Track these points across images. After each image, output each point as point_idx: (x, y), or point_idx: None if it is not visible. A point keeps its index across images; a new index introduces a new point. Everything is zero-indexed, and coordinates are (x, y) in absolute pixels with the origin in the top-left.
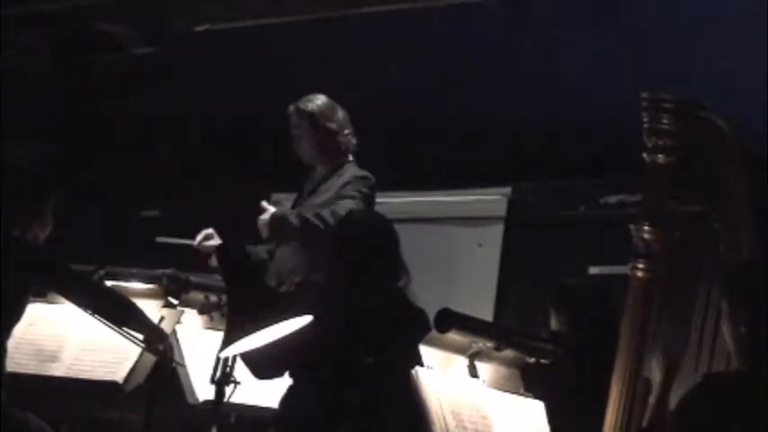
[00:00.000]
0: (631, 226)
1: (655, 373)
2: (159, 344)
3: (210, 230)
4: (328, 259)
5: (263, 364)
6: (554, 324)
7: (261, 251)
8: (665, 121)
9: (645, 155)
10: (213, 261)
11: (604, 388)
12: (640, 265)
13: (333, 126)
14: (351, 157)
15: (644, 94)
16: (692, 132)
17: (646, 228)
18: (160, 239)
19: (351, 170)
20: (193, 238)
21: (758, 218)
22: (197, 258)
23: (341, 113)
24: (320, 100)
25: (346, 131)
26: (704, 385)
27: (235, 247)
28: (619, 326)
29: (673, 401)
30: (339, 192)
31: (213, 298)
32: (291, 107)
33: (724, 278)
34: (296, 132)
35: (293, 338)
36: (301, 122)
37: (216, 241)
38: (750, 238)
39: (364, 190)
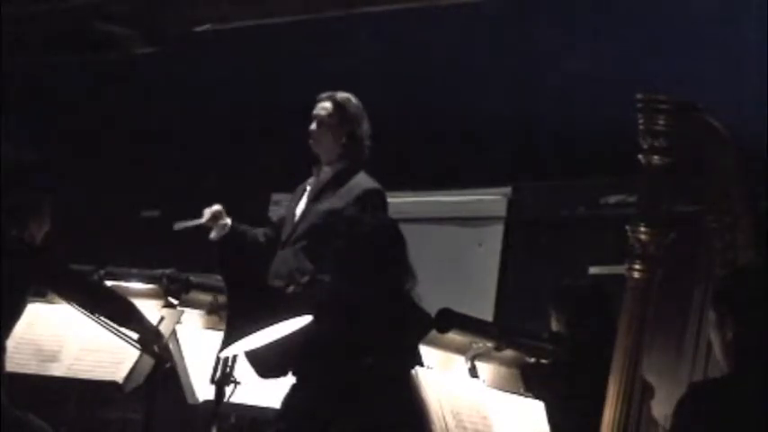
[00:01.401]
0: (627, 227)
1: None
2: (155, 344)
3: (219, 208)
4: (335, 260)
5: (267, 364)
6: (554, 325)
7: (258, 234)
8: (661, 121)
9: (640, 156)
10: (215, 234)
11: (604, 388)
12: (637, 266)
13: (358, 130)
14: None
15: (638, 95)
16: (688, 133)
17: (642, 228)
18: (178, 226)
19: (362, 180)
20: (194, 237)
21: (755, 218)
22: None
23: (367, 122)
24: (355, 99)
25: (368, 142)
26: (696, 392)
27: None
28: (617, 325)
29: (667, 406)
30: (351, 205)
31: (221, 298)
32: (325, 95)
33: (717, 283)
34: (325, 121)
35: (297, 338)
36: (334, 115)
37: (224, 220)
38: (746, 238)
39: (379, 204)
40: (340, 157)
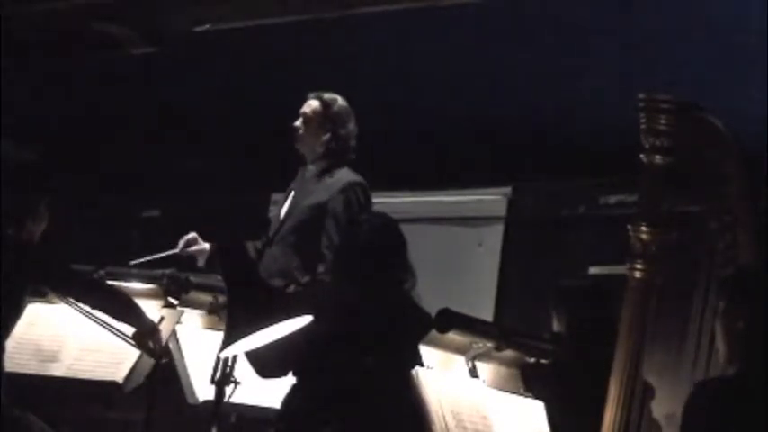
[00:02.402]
0: (629, 226)
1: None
2: (150, 340)
3: (193, 235)
4: (335, 260)
5: (267, 363)
6: (555, 325)
7: (249, 248)
8: (662, 121)
9: (642, 155)
10: (201, 262)
11: (604, 388)
12: (638, 266)
13: (345, 132)
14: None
15: (640, 95)
16: (689, 132)
17: (643, 228)
18: (134, 263)
19: (344, 174)
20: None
21: (755, 217)
22: (186, 262)
23: (353, 124)
24: (342, 101)
25: (353, 142)
26: (706, 389)
27: (234, 246)
28: (617, 325)
29: (668, 406)
30: (334, 198)
31: (221, 298)
32: (313, 96)
33: (723, 277)
34: (309, 118)
35: (297, 338)
36: (318, 113)
37: (200, 246)
38: (747, 237)
39: (360, 198)
40: (323, 155)
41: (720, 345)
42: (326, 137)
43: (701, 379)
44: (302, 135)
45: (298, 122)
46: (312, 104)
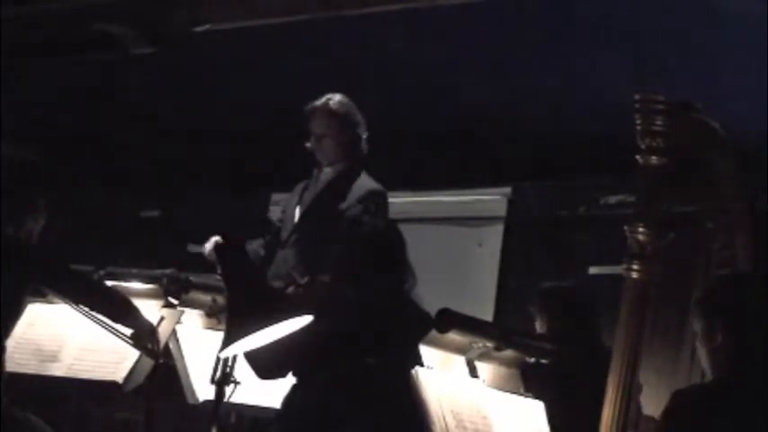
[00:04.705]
0: (626, 227)
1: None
2: (147, 341)
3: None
4: (335, 261)
5: (266, 364)
6: (538, 327)
7: (257, 248)
8: (658, 122)
9: (638, 156)
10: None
11: (602, 388)
12: (635, 266)
13: (359, 130)
14: None
15: (636, 96)
16: (686, 133)
17: (640, 229)
18: (192, 249)
19: (363, 180)
20: (195, 240)
21: (753, 218)
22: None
23: (361, 117)
24: (347, 100)
25: (365, 136)
26: (684, 400)
27: (234, 246)
28: (600, 326)
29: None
30: (354, 206)
31: (220, 300)
32: (318, 104)
33: (697, 297)
34: (321, 132)
35: (297, 338)
36: (329, 122)
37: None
38: (744, 238)
39: (380, 207)
40: (343, 158)
41: (704, 364)
42: (348, 140)
43: (697, 377)
44: (322, 149)
45: (314, 141)
46: (321, 122)
